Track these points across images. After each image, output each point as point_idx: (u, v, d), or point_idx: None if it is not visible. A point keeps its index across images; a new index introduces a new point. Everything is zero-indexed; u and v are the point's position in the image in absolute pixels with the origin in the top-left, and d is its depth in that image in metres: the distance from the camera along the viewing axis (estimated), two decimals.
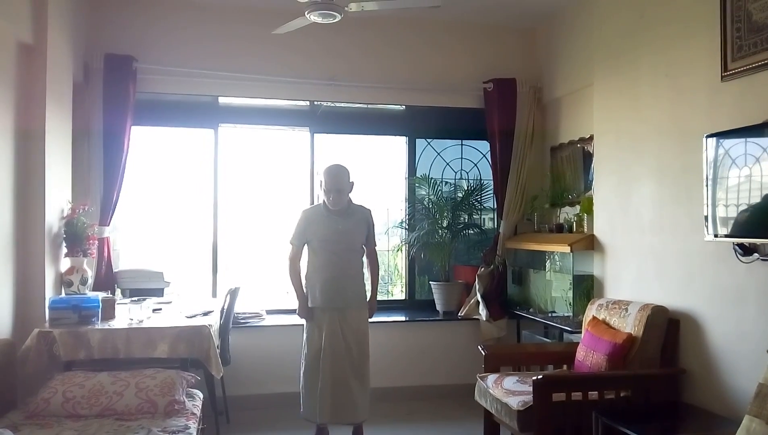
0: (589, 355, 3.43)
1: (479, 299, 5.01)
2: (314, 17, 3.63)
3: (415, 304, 5.42)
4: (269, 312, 4.93)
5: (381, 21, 4.99)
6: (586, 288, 4.18)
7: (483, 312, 4.96)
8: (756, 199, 2.71)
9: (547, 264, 4.71)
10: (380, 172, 5.55)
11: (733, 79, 2.96)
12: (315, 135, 5.20)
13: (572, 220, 4.53)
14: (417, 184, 5.39)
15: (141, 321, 3.63)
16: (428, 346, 4.96)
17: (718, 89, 3.05)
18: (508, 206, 5.09)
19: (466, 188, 5.54)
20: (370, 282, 3.94)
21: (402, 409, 4.60)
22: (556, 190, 4.92)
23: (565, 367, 3.72)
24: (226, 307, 4.15)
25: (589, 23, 4.39)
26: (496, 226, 5.33)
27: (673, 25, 3.42)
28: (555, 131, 5.11)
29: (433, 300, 5.26)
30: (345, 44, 4.97)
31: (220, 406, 4.02)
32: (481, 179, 5.56)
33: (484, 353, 3.81)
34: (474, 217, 5.60)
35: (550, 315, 4.56)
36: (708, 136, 2.95)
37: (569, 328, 4.14)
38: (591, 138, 4.42)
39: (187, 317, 3.79)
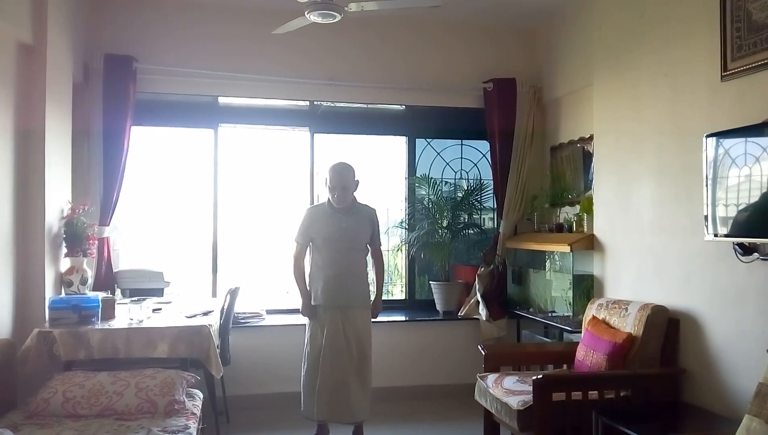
0: (589, 354, 3.43)
1: (479, 299, 5.01)
2: (314, 17, 3.63)
3: (415, 304, 5.42)
4: (269, 312, 4.93)
5: (381, 21, 4.99)
6: (586, 288, 4.18)
7: (483, 312, 4.96)
8: (756, 198, 2.71)
9: (547, 264, 4.71)
10: (380, 172, 5.54)
11: (732, 78, 2.96)
12: (315, 135, 5.21)
13: (572, 220, 4.53)
14: (417, 184, 5.39)
15: (141, 321, 3.63)
16: (428, 346, 4.96)
17: (717, 89, 3.05)
18: (508, 206, 5.10)
19: (466, 188, 5.54)
20: (374, 281, 3.92)
21: (402, 409, 4.59)
22: (556, 190, 4.92)
23: (565, 366, 3.72)
24: (226, 307, 4.15)
25: (589, 23, 4.39)
26: (496, 226, 5.33)
27: (673, 25, 3.42)
28: (555, 131, 5.12)
29: (433, 300, 5.26)
30: (345, 44, 4.97)
31: (220, 406, 4.02)
32: (481, 179, 5.56)
33: (484, 353, 3.81)
34: (474, 216, 5.60)
35: (550, 315, 4.56)
36: (708, 136, 2.95)
37: (569, 328, 4.14)
38: (591, 138, 4.42)
39: (187, 317, 3.79)
